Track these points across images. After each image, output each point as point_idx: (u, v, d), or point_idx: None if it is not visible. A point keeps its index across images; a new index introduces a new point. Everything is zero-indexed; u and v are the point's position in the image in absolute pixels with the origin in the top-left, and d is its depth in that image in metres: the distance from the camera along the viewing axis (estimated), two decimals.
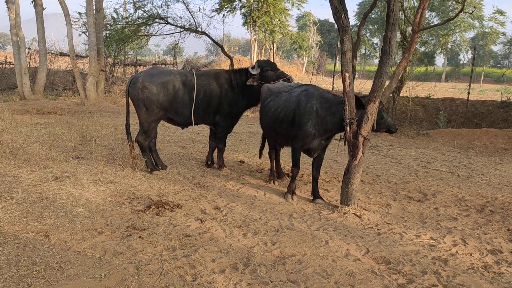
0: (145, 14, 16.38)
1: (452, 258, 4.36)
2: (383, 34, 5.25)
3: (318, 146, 5.80)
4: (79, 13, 25.40)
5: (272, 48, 31.69)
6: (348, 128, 5.43)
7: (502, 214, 5.85)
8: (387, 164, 8.76)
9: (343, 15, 5.19)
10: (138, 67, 24.16)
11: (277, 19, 31.63)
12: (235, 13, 29.99)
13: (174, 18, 16.45)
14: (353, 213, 5.50)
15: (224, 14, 29.02)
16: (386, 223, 5.32)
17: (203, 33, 16.04)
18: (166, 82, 6.77)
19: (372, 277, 3.87)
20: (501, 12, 13.89)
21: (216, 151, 7.50)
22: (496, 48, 67.19)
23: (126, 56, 26.69)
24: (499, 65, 73.89)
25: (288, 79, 6.81)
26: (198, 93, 6.89)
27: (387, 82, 5.63)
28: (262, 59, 7.63)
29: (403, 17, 14.54)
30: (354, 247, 4.50)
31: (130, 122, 7.15)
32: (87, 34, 25.28)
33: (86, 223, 4.70)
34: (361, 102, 5.47)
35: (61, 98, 17.74)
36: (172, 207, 5.33)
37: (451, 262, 4.27)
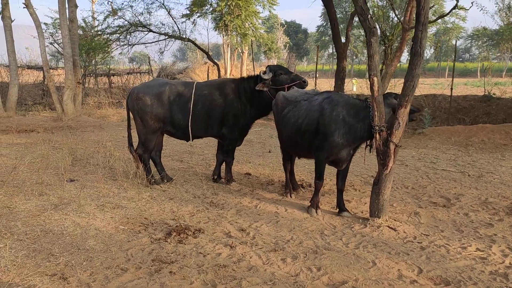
0: (126, 22, 15.67)
1: (511, 272, 4.07)
2: (413, 34, 4.91)
3: (347, 157, 5.44)
4: (45, 23, 24.39)
5: (251, 51, 31.24)
6: (377, 136, 5.09)
7: None
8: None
9: (369, 16, 4.85)
10: (111, 77, 23.31)
11: (248, 22, 31.31)
12: (206, 18, 29.39)
13: (157, 25, 15.84)
14: (387, 226, 5.15)
15: (194, 20, 28.12)
16: (424, 234, 5.00)
17: (188, 40, 15.51)
18: (161, 93, 6.47)
19: None
20: (462, 8, 13.84)
21: (223, 164, 7.04)
22: (458, 43, 69.16)
23: (97, 66, 25.84)
24: (461, 59, 76.04)
25: (304, 81, 6.43)
26: (196, 104, 6.47)
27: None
28: (274, 64, 7.18)
29: (392, 15, 14.42)
30: (405, 267, 4.15)
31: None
32: (54, 45, 24.40)
33: (105, 259, 4.17)
34: None
35: (31, 113, 16.76)
36: (193, 232, 4.85)
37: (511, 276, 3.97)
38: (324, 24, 74.32)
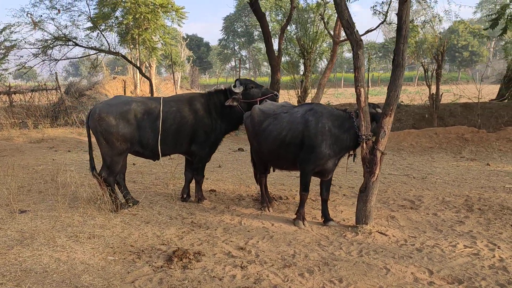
0: (49, 35, 14.43)
1: (505, 264, 4.41)
2: (394, 46, 5.15)
3: (332, 167, 5.53)
4: None
5: (171, 63, 30.48)
6: (364, 145, 5.26)
7: (492, 211, 6.17)
8: (344, 174, 8.82)
9: (355, 29, 5.02)
10: (12, 95, 21.28)
11: (157, 36, 30.59)
12: (113, 31, 28.03)
13: (84, 38, 14.84)
14: (377, 231, 5.33)
15: (98, 33, 26.79)
16: (412, 237, 5.24)
17: (121, 54, 14.73)
18: (126, 111, 6.05)
19: None
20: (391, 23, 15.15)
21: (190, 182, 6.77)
22: (349, 55, 74.91)
23: None
24: (351, 70, 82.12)
25: (275, 95, 6.43)
26: (165, 121, 6.19)
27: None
28: (241, 78, 7.07)
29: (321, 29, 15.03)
30: (415, 270, 4.30)
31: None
32: None
33: None
34: None
35: None
36: (194, 256, 4.58)
37: (510, 268, 4.31)
38: (226, 38, 75.42)
